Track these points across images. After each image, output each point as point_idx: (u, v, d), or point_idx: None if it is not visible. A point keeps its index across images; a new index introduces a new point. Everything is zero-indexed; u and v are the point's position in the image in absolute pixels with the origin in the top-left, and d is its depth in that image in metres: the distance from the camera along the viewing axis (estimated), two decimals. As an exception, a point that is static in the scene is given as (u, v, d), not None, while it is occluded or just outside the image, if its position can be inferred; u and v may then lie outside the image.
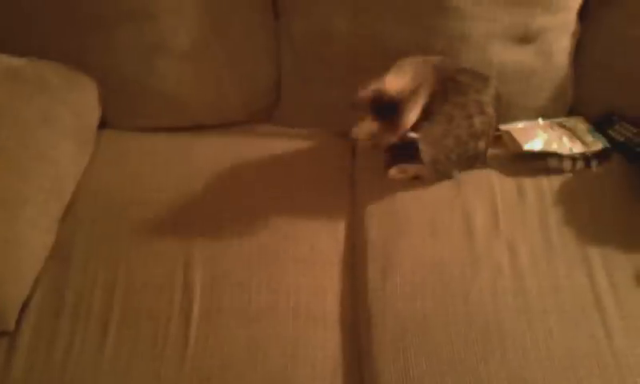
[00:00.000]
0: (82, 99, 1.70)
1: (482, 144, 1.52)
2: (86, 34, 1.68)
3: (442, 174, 1.56)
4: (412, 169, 1.59)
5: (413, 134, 1.51)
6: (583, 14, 1.72)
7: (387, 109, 1.41)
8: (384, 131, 1.44)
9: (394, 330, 1.33)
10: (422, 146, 1.54)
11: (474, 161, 1.56)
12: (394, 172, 1.61)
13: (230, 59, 1.74)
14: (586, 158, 1.60)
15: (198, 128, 1.78)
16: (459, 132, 1.48)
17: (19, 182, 1.45)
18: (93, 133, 1.73)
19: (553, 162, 1.59)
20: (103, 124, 1.78)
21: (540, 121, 1.71)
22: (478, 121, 1.48)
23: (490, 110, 1.49)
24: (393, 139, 1.47)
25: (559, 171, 1.58)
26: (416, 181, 1.58)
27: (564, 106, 1.76)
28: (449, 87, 1.47)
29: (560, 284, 1.36)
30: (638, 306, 1.32)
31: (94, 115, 1.74)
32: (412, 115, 1.43)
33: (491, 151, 1.60)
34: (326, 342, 1.35)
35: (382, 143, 1.52)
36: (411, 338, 1.31)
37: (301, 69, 1.74)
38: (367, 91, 1.41)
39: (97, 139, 1.73)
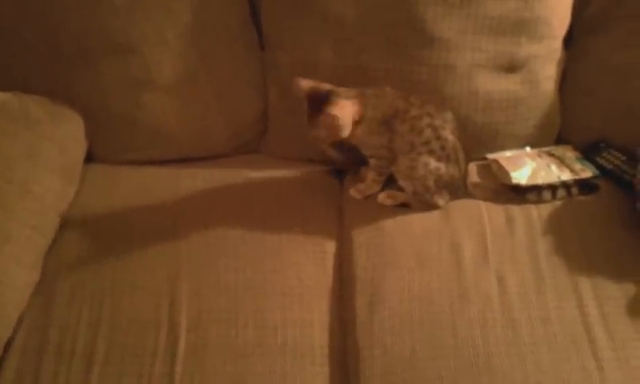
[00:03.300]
0: (68, 134, 1.69)
1: (452, 169, 1.52)
2: (72, 69, 1.68)
3: (426, 204, 1.56)
4: (401, 195, 1.59)
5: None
6: (568, 41, 1.73)
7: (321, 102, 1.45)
8: (315, 123, 1.47)
9: (383, 364, 1.31)
10: (400, 182, 1.56)
11: (455, 190, 1.56)
12: (383, 197, 1.61)
13: (216, 91, 1.74)
14: (566, 186, 1.59)
15: (185, 161, 1.77)
16: (424, 159, 1.49)
17: (3, 218, 1.44)
18: (78, 167, 1.72)
19: (532, 197, 1.59)
20: (89, 158, 1.77)
21: (528, 149, 1.70)
22: (436, 145, 1.49)
23: (446, 133, 1.50)
24: (322, 133, 1.48)
25: (541, 202, 1.58)
26: (404, 210, 1.58)
27: (552, 134, 1.76)
28: (400, 115, 1.49)
29: (550, 315, 1.35)
30: (629, 336, 1.31)
31: (79, 150, 1.73)
32: (339, 108, 1.44)
33: (474, 181, 1.60)
34: (314, 377, 1.33)
35: (315, 136, 1.51)
36: (400, 372, 1.29)
37: (287, 100, 1.73)
38: (305, 83, 1.48)
39: (83, 174, 1.72)
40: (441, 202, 1.56)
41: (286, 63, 1.70)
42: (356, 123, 1.49)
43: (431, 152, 1.49)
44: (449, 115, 1.53)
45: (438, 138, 1.49)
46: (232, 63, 1.74)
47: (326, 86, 1.48)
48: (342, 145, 1.56)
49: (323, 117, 1.44)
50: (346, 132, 1.48)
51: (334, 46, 1.61)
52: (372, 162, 1.60)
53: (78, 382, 1.30)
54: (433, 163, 1.50)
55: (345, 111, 1.45)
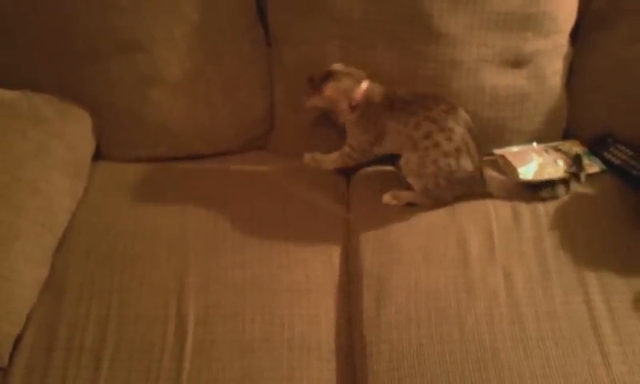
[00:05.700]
0: (76, 131, 1.71)
1: (465, 162, 1.50)
2: (80, 67, 1.69)
3: (436, 201, 1.56)
4: (406, 195, 1.59)
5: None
6: (575, 36, 1.72)
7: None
8: (311, 93, 1.56)
9: (390, 359, 1.31)
10: (409, 180, 1.56)
11: (470, 184, 1.54)
12: (387, 198, 1.60)
13: (223, 88, 1.74)
14: (576, 175, 1.59)
15: (192, 157, 1.78)
16: (433, 155, 1.48)
17: (12, 215, 1.45)
18: (87, 165, 1.73)
19: (546, 194, 1.57)
20: (97, 156, 1.78)
21: (534, 145, 1.70)
22: (441, 137, 1.47)
23: (449, 123, 1.48)
24: (314, 101, 1.57)
25: (554, 198, 1.57)
26: (412, 207, 1.58)
27: (559, 129, 1.76)
28: (397, 108, 1.52)
29: (557, 310, 1.35)
30: (635, 330, 1.31)
31: (88, 147, 1.74)
32: (330, 87, 1.54)
33: (491, 174, 1.59)
34: (321, 373, 1.33)
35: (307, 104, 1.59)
36: (407, 367, 1.29)
37: (293, 97, 1.73)
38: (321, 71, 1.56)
39: (91, 171, 1.73)
40: (449, 197, 1.56)
41: (292, 60, 1.71)
42: (352, 108, 1.53)
43: (437, 145, 1.47)
44: (445, 104, 1.50)
45: (442, 129, 1.47)
46: (238, 60, 1.75)
47: (338, 67, 1.56)
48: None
49: (318, 91, 1.53)
50: (339, 106, 1.55)
51: (340, 42, 1.62)
52: (346, 149, 1.62)
53: (87, 377, 1.31)
54: (442, 160, 1.49)
55: (337, 91, 1.53)
